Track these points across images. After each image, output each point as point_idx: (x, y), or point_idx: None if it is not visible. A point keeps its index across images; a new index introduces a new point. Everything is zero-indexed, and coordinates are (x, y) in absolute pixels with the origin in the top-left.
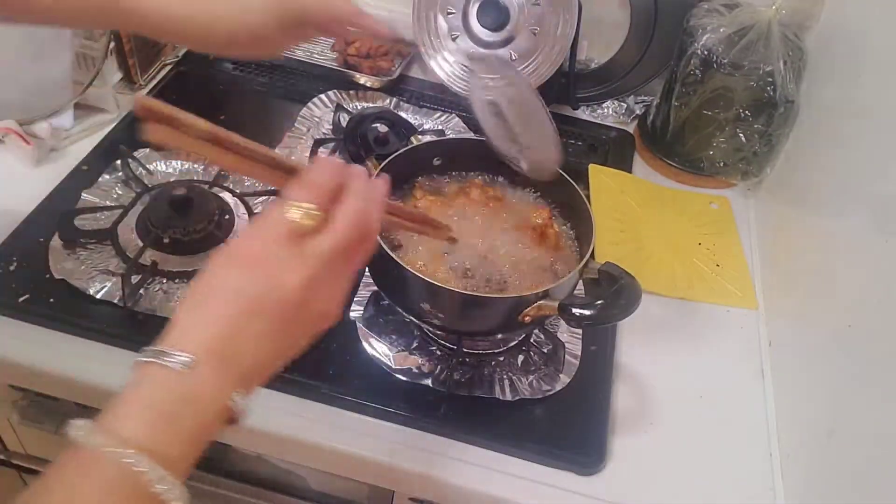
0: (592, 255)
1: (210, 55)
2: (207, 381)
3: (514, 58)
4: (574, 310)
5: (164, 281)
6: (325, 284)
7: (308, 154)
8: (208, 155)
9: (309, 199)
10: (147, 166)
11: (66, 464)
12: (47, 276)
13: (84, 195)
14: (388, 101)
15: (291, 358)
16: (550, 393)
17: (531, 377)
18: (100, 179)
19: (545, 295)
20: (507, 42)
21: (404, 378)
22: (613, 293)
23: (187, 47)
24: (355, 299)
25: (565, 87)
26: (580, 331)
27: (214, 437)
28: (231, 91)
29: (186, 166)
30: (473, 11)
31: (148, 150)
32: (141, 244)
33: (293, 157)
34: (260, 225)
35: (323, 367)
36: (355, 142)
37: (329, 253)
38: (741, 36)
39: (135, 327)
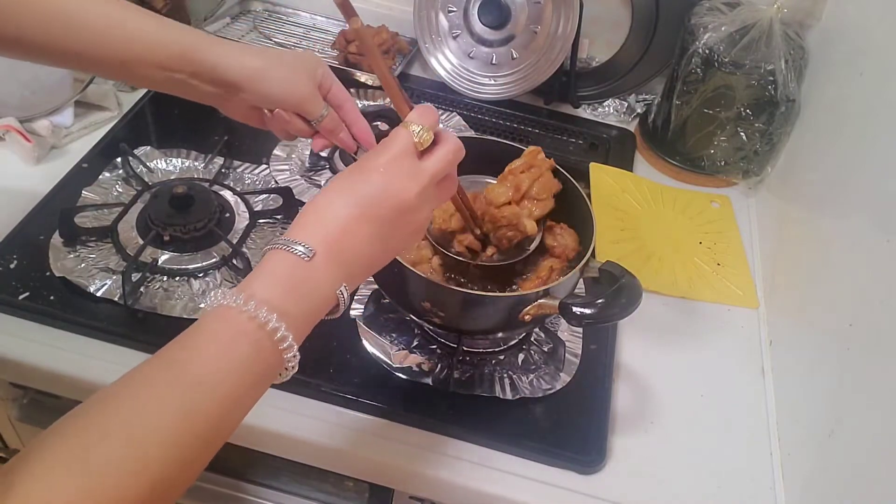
0: (593, 254)
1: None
2: (322, 271)
3: (514, 56)
4: (575, 308)
5: (165, 279)
6: (430, 200)
7: (308, 153)
8: (374, 64)
9: (426, 124)
10: (147, 164)
11: (203, 320)
12: (47, 273)
13: (84, 193)
14: (388, 99)
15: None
16: (551, 392)
17: (531, 376)
18: (100, 177)
19: (546, 293)
20: (507, 40)
21: (404, 377)
22: (614, 292)
23: (252, 99)
24: (355, 298)
25: (566, 85)
26: (581, 329)
27: (317, 321)
28: None
29: (187, 164)
30: (474, 10)
31: (148, 147)
32: (141, 242)
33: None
34: (387, 142)
35: (323, 366)
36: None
37: (439, 171)
38: (742, 34)
39: (135, 325)
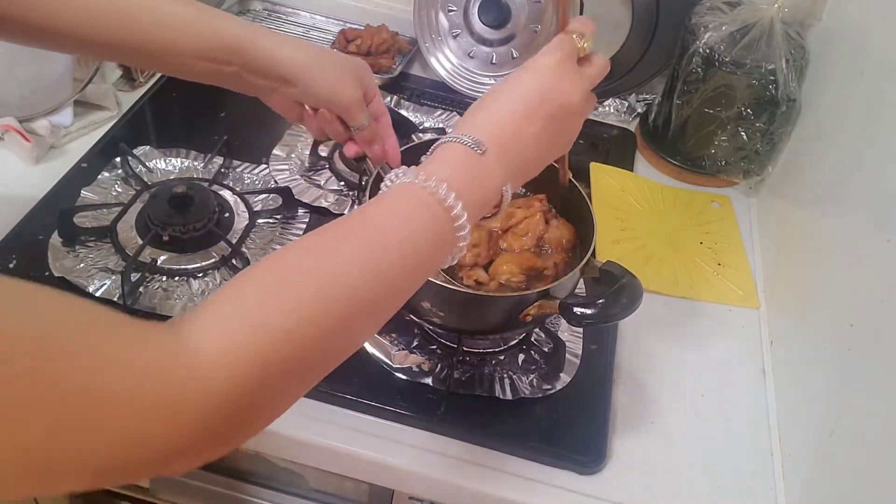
0: (594, 254)
1: None
2: (492, 164)
3: (515, 56)
4: (575, 308)
5: (164, 279)
6: (588, 106)
7: (308, 153)
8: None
9: (586, 33)
10: (147, 164)
11: (384, 194)
12: (47, 273)
13: (84, 193)
14: (388, 98)
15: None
16: (551, 392)
17: (531, 376)
18: (99, 177)
19: (546, 294)
20: (508, 40)
21: (404, 377)
22: (614, 292)
23: (300, 95)
24: None
25: None
26: (581, 330)
27: (483, 213)
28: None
29: (186, 164)
30: (474, 9)
31: (148, 147)
32: (140, 242)
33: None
34: (552, 46)
35: None
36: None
37: (596, 77)
38: (743, 34)
39: None
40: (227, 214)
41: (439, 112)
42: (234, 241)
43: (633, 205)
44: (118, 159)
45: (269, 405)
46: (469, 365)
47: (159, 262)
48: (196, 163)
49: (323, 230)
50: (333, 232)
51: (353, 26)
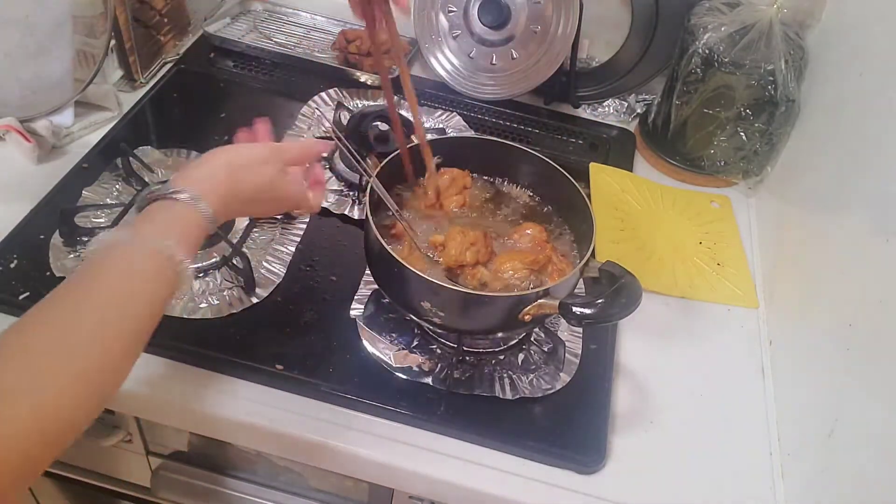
0: (593, 254)
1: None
2: (206, 210)
3: (514, 56)
4: (574, 308)
5: None
6: (282, 182)
7: None
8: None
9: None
10: (148, 164)
11: (113, 258)
12: (48, 273)
13: (85, 193)
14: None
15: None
16: (551, 391)
17: (531, 376)
18: (100, 177)
19: (546, 293)
20: (507, 40)
21: (404, 376)
22: (614, 292)
23: None
24: (356, 297)
25: (566, 85)
26: (581, 329)
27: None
28: (231, 89)
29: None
30: (474, 10)
31: (149, 147)
32: None
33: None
34: (262, 146)
35: (323, 366)
36: (356, 140)
37: (293, 160)
38: (742, 35)
39: None
40: None
41: (439, 112)
42: (234, 241)
43: (632, 205)
44: (119, 159)
45: (44, 464)
46: (469, 365)
47: None
48: None
49: (54, 303)
50: (67, 303)
51: (354, 27)
